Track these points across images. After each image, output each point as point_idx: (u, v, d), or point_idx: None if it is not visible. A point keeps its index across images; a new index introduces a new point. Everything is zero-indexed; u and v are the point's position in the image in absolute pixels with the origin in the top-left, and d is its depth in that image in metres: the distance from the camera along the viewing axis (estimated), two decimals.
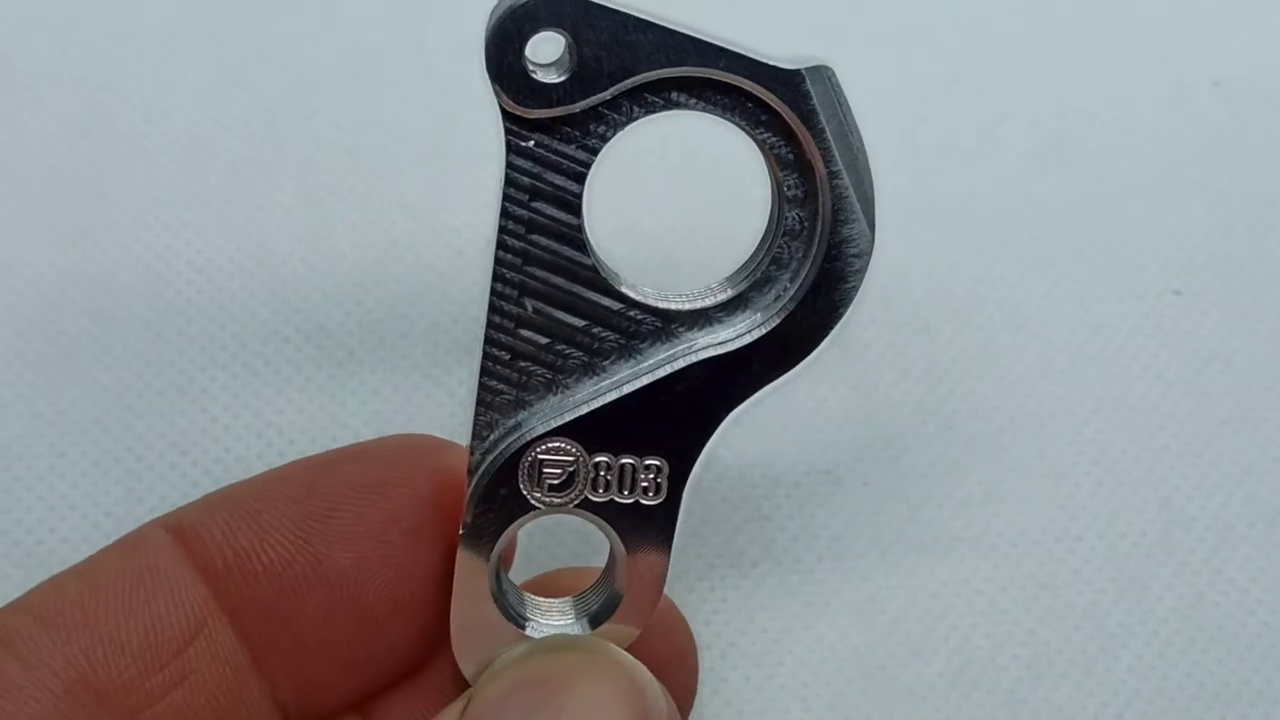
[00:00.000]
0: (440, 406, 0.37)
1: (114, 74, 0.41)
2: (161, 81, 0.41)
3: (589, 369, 0.26)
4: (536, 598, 0.28)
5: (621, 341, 0.26)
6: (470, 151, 0.40)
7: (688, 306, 0.26)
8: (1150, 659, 0.35)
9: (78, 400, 0.36)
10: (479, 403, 0.26)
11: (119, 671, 0.25)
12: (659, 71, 0.24)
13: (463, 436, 0.36)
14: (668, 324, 0.25)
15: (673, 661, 0.29)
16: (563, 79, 0.24)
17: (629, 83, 0.24)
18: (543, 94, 0.24)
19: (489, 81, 0.24)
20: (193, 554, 0.26)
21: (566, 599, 0.28)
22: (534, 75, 0.24)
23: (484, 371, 0.26)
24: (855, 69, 0.42)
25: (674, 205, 0.39)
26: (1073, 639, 0.35)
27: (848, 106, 0.25)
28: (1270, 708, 0.35)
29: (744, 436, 0.37)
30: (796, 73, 0.24)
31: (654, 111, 0.25)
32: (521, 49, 0.24)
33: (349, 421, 0.36)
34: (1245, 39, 0.43)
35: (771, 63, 0.24)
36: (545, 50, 0.24)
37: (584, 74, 0.24)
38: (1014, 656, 0.35)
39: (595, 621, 0.27)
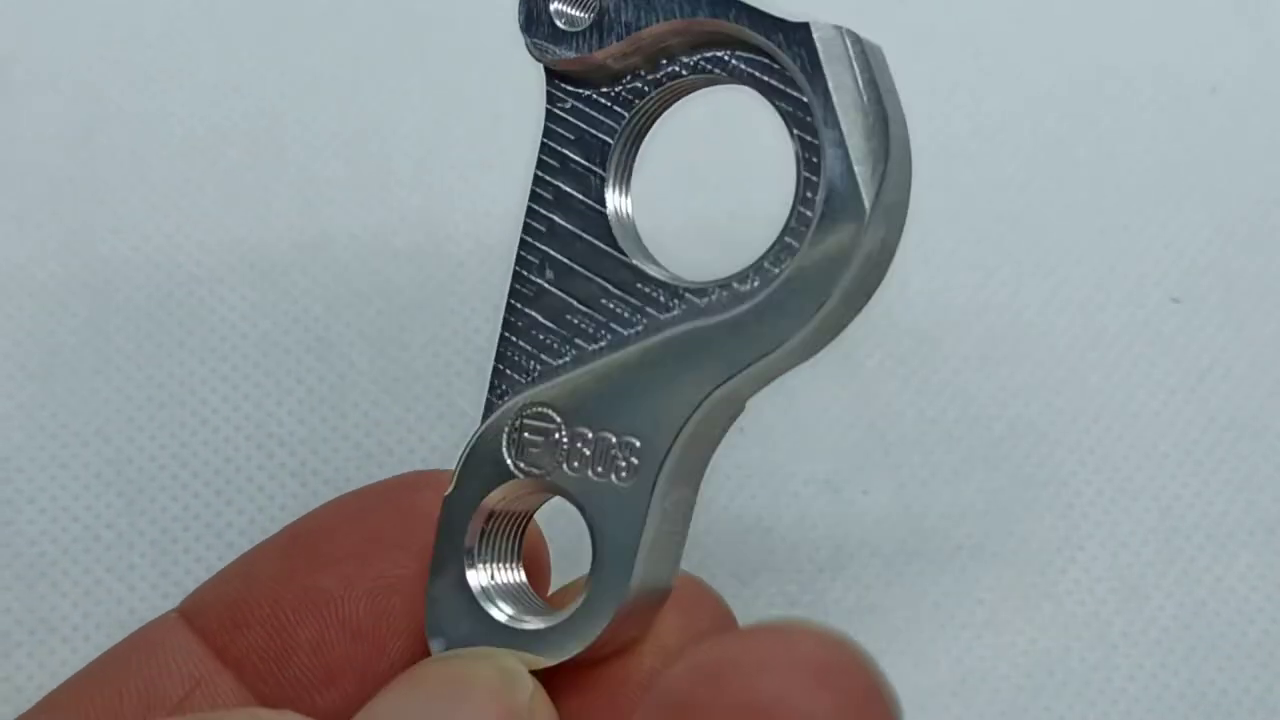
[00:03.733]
0: (440, 417, 0.37)
1: (112, 81, 0.41)
2: (160, 89, 0.41)
3: (601, 343, 0.25)
4: (514, 581, 0.27)
5: (634, 318, 0.25)
6: (470, 161, 0.40)
7: (697, 284, 0.25)
8: (1151, 668, 0.35)
9: (78, 411, 0.36)
10: (494, 372, 0.26)
11: None
12: (673, 22, 0.24)
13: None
14: (677, 302, 0.25)
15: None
16: (584, 28, 0.25)
17: (644, 33, 0.24)
18: (565, 42, 0.25)
19: (520, 30, 0.25)
20: (191, 620, 0.27)
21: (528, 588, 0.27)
22: (558, 22, 0.25)
23: (501, 341, 0.25)
24: None
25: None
26: (1073, 648, 0.35)
27: (870, 68, 0.24)
28: (1270, 717, 0.35)
29: (744, 445, 0.37)
30: (803, 25, 0.23)
31: (681, 77, 0.25)
32: None
33: (349, 432, 0.36)
34: (1243, 45, 0.43)
35: (780, 15, 0.24)
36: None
37: (604, 23, 0.24)
38: (1014, 665, 0.35)
39: (569, 609, 0.26)
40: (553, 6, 0.25)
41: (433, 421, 0.37)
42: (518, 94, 0.39)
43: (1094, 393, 0.38)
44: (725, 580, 0.35)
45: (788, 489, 0.36)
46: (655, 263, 0.26)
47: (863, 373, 0.38)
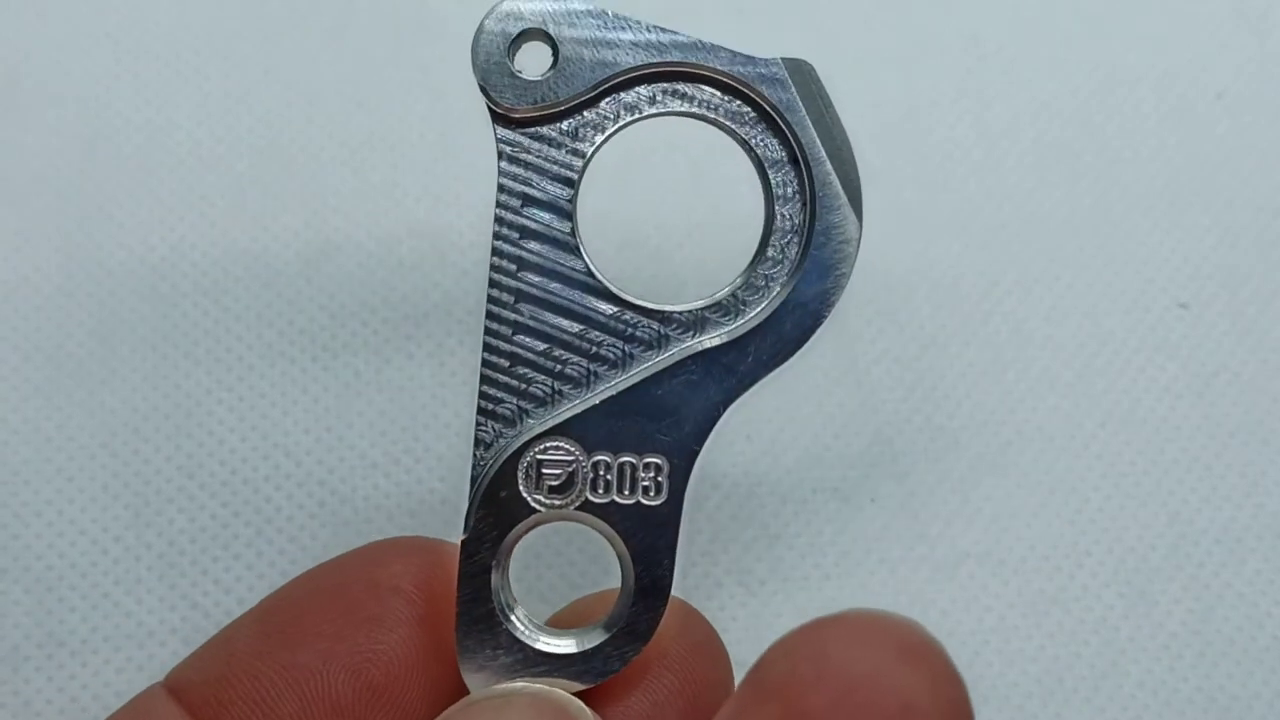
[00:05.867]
0: (446, 426, 0.37)
1: (118, 93, 0.41)
2: (165, 101, 0.41)
3: (588, 374, 0.26)
4: (525, 610, 0.27)
5: (618, 346, 0.26)
6: (475, 171, 0.40)
7: (683, 309, 0.26)
8: (1160, 673, 0.35)
9: (84, 424, 0.36)
10: (479, 410, 0.26)
11: None
12: (640, 68, 0.25)
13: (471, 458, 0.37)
14: (664, 328, 0.26)
15: (695, 657, 0.28)
16: (546, 76, 0.25)
17: (611, 77, 0.25)
18: (527, 91, 0.25)
19: (476, 81, 0.25)
20: (177, 696, 0.27)
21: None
22: (518, 73, 0.25)
23: (484, 379, 0.26)
24: (861, 83, 0.42)
25: (675, 216, 0.39)
26: (1082, 654, 0.35)
27: (829, 100, 0.26)
28: None
29: (751, 453, 0.37)
30: (774, 62, 0.25)
31: (640, 114, 0.26)
32: (505, 47, 0.25)
33: (356, 443, 0.36)
34: (1247, 50, 0.43)
35: (750, 55, 0.25)
36: (529, 48, 0.25)
37: (566, 70, 0.25)
38: (1024, 673, 0.35)
39: (608, 628, 0.26)
40: (510, 61, 0.25)
41: (439, 431, 0.37)
42: None
43: (1101, 398, 0.38)
44: (733, 589, 0.35)
45: (795, 496, 0.36)
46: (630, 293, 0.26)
47: (869, 380, 0.38)
